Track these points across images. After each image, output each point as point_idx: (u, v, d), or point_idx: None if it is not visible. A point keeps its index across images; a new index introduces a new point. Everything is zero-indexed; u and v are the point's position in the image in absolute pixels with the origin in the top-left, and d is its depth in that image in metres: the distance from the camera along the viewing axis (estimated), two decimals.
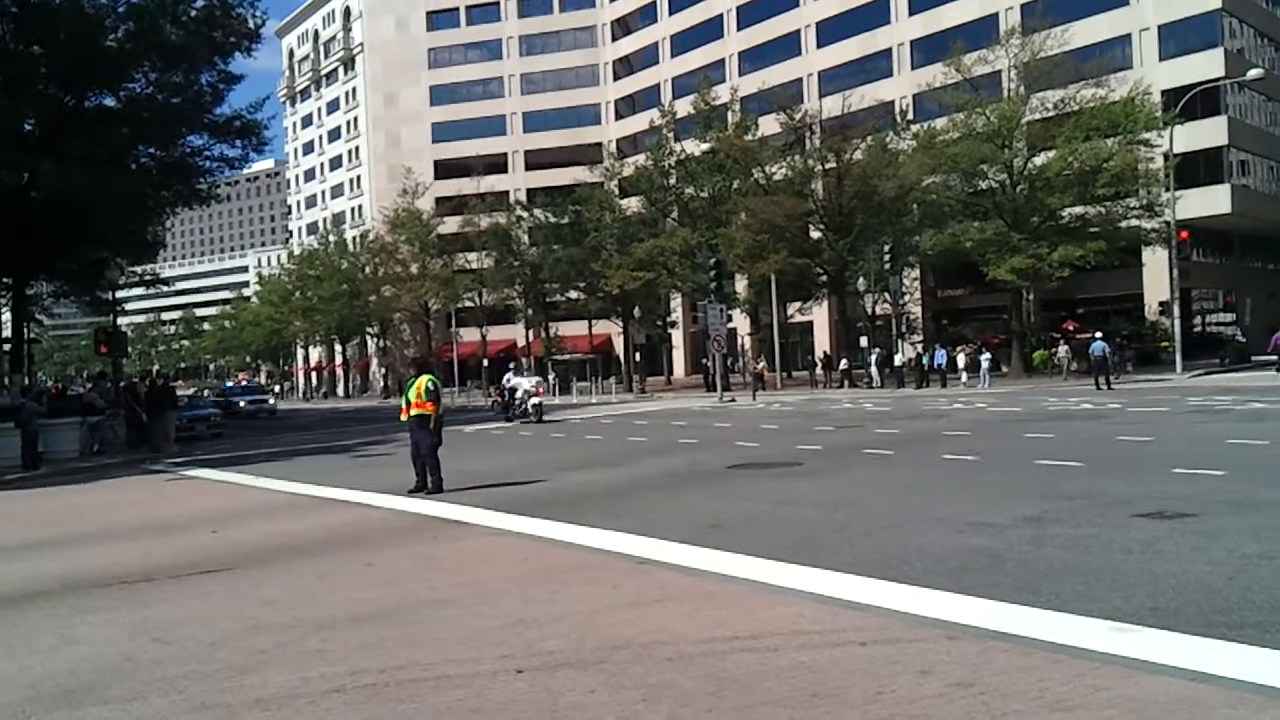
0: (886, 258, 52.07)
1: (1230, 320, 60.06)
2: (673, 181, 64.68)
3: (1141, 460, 15.26)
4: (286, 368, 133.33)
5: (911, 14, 71.24)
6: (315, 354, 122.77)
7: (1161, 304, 50.15)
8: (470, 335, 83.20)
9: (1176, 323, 44.56)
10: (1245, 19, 60.38)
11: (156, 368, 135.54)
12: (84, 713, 5.90)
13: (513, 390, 37.76)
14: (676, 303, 74.87)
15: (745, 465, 17.59)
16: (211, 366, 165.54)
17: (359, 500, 15.50)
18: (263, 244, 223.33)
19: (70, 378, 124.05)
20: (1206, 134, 54.42)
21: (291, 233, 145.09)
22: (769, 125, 59.65)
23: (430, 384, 16.05)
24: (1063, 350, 45.95)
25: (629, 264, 61.27)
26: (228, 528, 13.44)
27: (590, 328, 79.33)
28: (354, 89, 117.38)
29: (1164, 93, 51.20)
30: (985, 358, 44.65)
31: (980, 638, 6.29)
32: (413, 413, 15.96)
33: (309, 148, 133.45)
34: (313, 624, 7.66)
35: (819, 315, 68.01)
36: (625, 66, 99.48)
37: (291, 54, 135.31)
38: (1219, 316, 61.31)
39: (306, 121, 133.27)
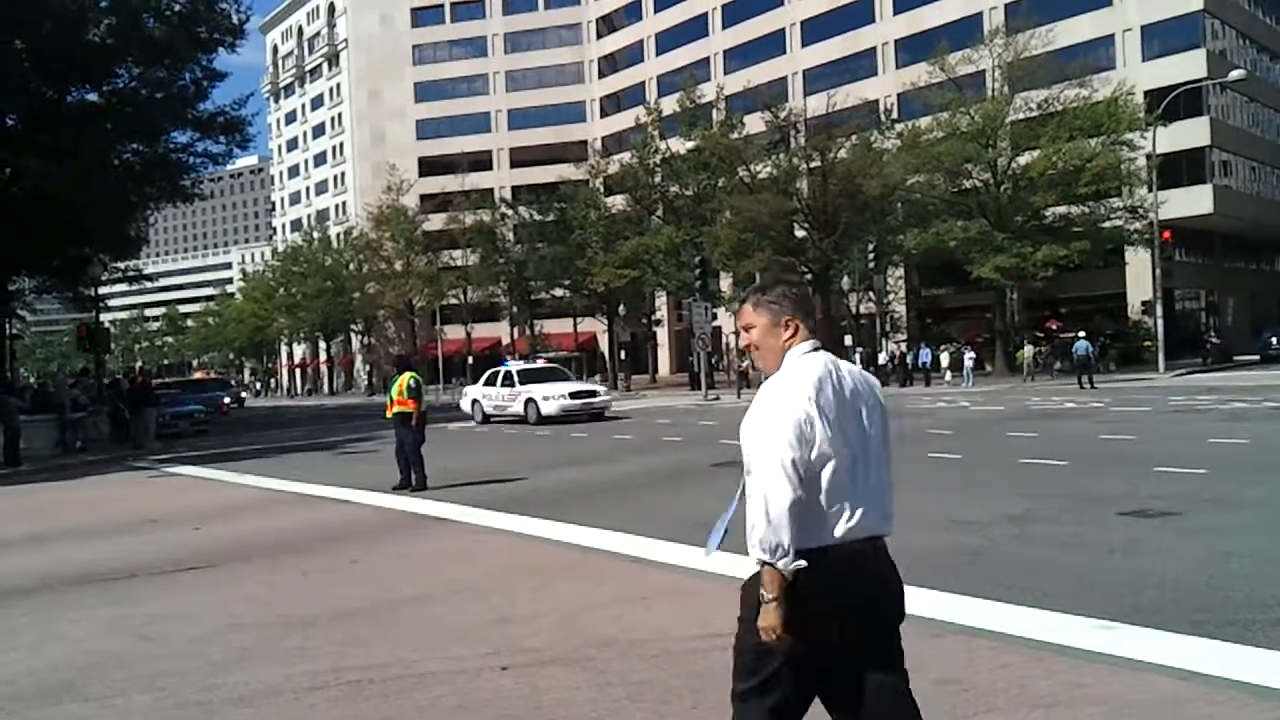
0: (871, 256, 52.16)
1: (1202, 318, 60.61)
2: (658, 180, 64.69)
3: (1124, 459, 15.32)
4: (270, 365, 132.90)
5: (895, 13, 71.30)
6: (299, 351, 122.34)
7: (1144, 304, 50.39)
8: (455, 333, 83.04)
9: (1159, 322, 44.74)
10: (1227, 20, 60.66)
11: (140, 364, 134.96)
12: (65, 709, 5.87)
13: None
14: (661, 301, 74.85)
15: (729, 463, 17.58)
16: (195, 363, 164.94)
17: (343, 497, 15.45)
18: (246, 240, 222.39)
19: (52, 374, 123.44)
20: (1189, 134, 54.63)
21: (275, 229, 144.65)
22: (754, 124, 59.68)
23: (412, 381, 16.13)
24: (1028, 350, 45.78)
25: (614, 262, 61.29)
26: (211, 524, 13.39)
27: (575, 325, 79.31)
28: (338, 85, 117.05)
29: (1147, 93, 51.37)
30: (969, 356, 44.75)
31: (964, 635, 6.31)
32: (395, 410, 16.07)
33: (293, 144, 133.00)
34: (296, 621, 7.64)
35: None
36: (610, 64, 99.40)
37: (275, 50, 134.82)
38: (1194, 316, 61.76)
39: (290, 118, 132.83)
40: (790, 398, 3.26)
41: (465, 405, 36.55)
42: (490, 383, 35.55)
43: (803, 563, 3.16)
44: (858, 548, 3.27)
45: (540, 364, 39.40)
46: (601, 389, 37.91)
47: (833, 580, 3.22)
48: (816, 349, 3.47)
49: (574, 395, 32.68)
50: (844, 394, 3.35)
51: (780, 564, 3.17)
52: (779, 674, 3.28)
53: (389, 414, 16.42)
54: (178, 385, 55.33)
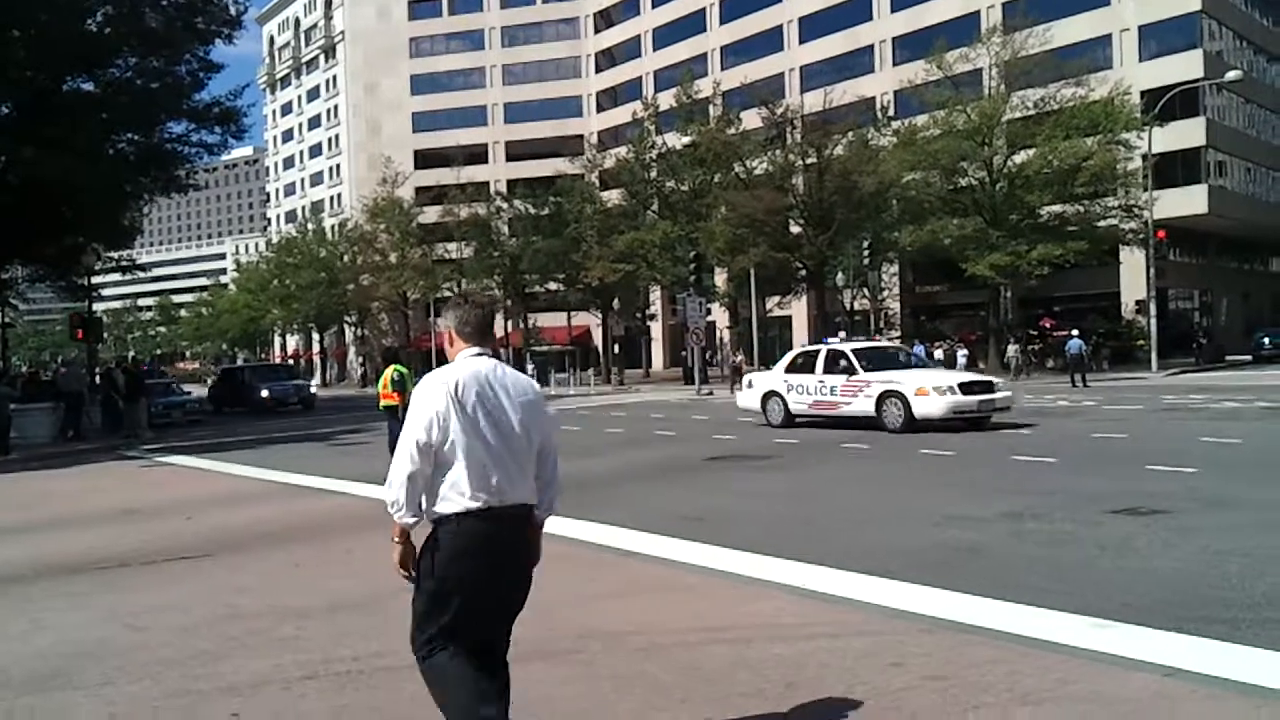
0: (865, 253, 52.24)
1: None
2: (653, 174, 64.61)
3: (1116, 457, 15.36)
4: (263, 356, 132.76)
5: (894, 10, 71.32)
6: (292, 342, 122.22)
7: (1138, 303, 50.51)
8: None
9: (1153, 321, 44.81)
10: (1224, 21, 60.71)
11: (132, 354, 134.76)
12: (56, 697, 5.87)
13: None
14: (656, 295, 74.87)
15: (722, 458, 17.62)
16: (188, 353, 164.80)
17: (336, 488, 15.44)
18: (241, 231, 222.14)
19: (44, 362, 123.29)
20: (1185, 135, 54.66)
21: (270, 220, 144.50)
22: (750, 119, 59.64)
23: (395, 374, 16.31)
24: (1012, 349, 45.79)
25: (609, 256, 61.26)
26: (203, 514, 13.38)
27: (569, 319, 79.23)
28: (334, 77, 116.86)
29: (1143, 93, 51.38)
30: (962, 354, 44.80)
31: (954, 631, 6.32)
32: (381, 404, 16.20)
33: (288, 135, 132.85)
34: (287, 611, 7.64)
35: (798, 309, 68.08)
36: (607, 59, 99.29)
37: (272, 41, 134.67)
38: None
39: (286, 109, 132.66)
40: (430, 393, 4.13)
41: (748, 401, 24.68)
42: (801, 368, 24.23)
43: (412, 519, 4.18)
44: (491, 515, 4.11)
45: (874, 342, 29.39)
46: (998, 380, 24.47)
47: (461, 538, 4.11)
48: (478, 355, 4.31)
49: (967, 388, 21.65)
50: (488, 393, 4.17)
51: (396, 517, 4.19)
52: (446, 611, 4.22)
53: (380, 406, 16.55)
54: (256, 370, 53.55)
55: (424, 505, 4.18)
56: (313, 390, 48.58)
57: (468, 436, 4.08)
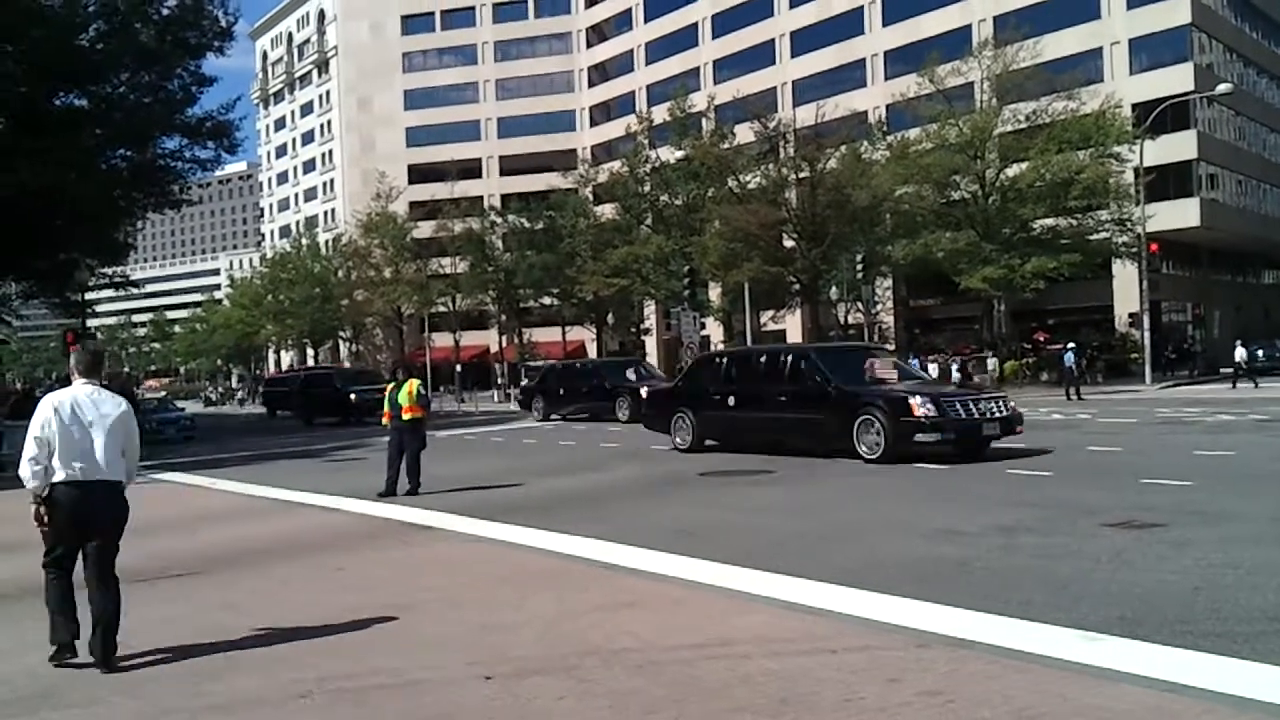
0: (859, 267, 52.16)
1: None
2: (647, 189, 64.66)
3: (1110, 470, 15.35)
4: (258, 371, 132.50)
5: (885, 25, 71.53)
6: (287, 358, 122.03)
7: (1131, 316, 50.54)
8: (443, 340, 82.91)
9: (1146, 334, 44.86)
10: (1214, 34, 60.94)
11: (126, 370, 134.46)
12: (43, 717, 5.82)
13: None
14: (650, 310, 74.80)
15: (717, 472, 17.58)
16: (182, 369, 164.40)
17: (330, 505, 15.37)
18: (234, 247, 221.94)
19: (39, 379, 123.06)
20: (1176, 148, 54.79)
21: (264, 235, 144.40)
22: (744, 134, 59.73)
23: (421, 388, 16.13)
24: (991, 362, 45.78)
25: (603, 270, 61.27)
26: (196, 531, 13.33)
27: (564, 334, 79.21)
28: (328, 92, 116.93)
29: (1134, 106, 51.52)
30: (955, 367, 44.79)
31: (949, 646, 6.29)
32: (405, 417, 15.88)
33: (282, 150, 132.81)
34: (280, 629, 7.60)
35: (792, 324, 68.03)
36: (600, 73, 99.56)
37: (265, 56, 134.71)
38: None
39: (280, 124, 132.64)
40: (44, 408, 6.65)
41: None
42: None
43: (37, 484, 6.56)
44: (73, 485, 6.60)
45: None
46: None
47: (59, 501, 6.63)
48: (85, 383, 6.86)
49: None
50: (78, 404, 6.70)
51: (30, 487, 6.57)
52: (57, 546, 6.86)
53: (386, 421, 16.30)
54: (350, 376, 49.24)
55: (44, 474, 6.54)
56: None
57: (62, 435, 6.54)
